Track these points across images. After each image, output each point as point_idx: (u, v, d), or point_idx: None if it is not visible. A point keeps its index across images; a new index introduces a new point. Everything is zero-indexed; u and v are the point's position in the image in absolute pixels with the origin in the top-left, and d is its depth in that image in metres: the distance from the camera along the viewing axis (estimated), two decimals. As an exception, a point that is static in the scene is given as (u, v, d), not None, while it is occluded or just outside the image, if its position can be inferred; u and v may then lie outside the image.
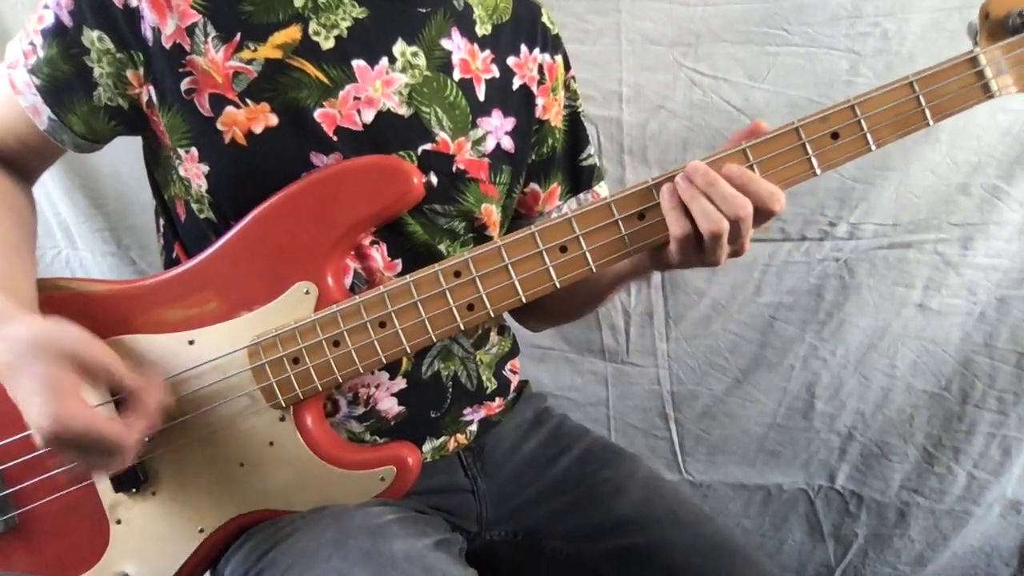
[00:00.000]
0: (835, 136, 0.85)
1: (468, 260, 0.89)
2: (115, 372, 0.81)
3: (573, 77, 1.13)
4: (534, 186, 1.10)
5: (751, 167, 0.85)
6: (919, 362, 1.62)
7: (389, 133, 0.93)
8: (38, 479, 0.91)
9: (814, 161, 0.86)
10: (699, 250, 0.85)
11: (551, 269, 0.88)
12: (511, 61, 1.04)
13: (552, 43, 1.09)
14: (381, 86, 0.93)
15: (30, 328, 0.79)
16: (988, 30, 0.86)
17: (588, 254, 0.88)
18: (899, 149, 1.46)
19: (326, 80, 0.91)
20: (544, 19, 1.09)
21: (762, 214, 0.84)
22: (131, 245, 1.60)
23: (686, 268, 0.89)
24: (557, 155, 1.11)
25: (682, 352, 1.67)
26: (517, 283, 0.89)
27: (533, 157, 1.08)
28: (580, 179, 1.13)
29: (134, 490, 0.92)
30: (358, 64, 0.93)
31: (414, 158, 0.94)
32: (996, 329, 1.58)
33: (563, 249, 0.88)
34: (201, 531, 0.93)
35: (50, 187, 1.56)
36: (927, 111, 0.85)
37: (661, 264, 0.91)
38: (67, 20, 0.88)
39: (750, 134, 0.86)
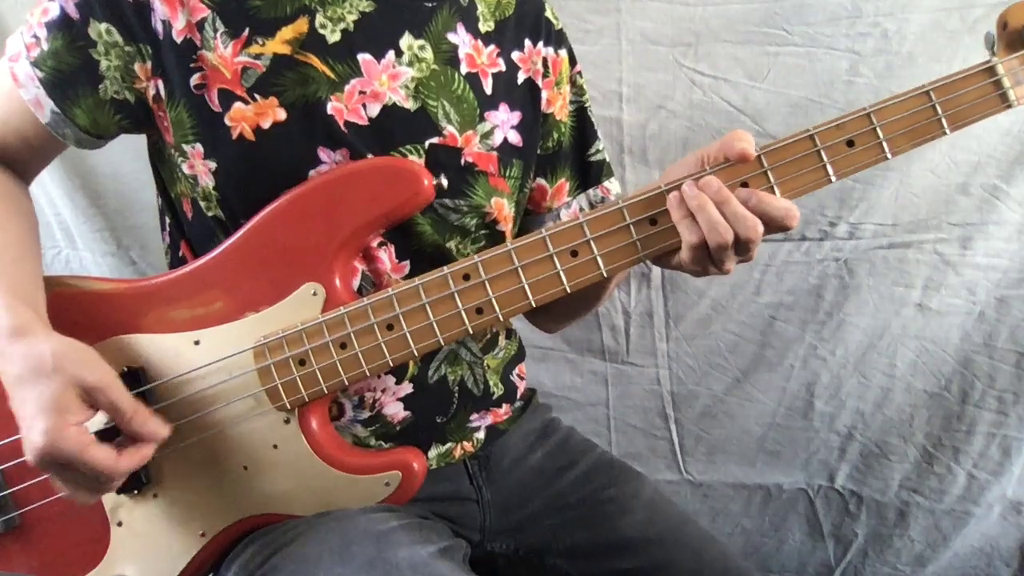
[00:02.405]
0: (850, 144, 0.85)
1: (478, 263, 0.88)
2: (121, 409, 0.82)
3: (579, 73, 1.12)
4: (541, 181, 1.10)
5: (765, 173, 0.85)
6: (919, 362, 1.62)
7: (395, 127, 0.93)
8: (39, 479, 0.90)
9: (829, 168, 0.85)
10: (711, 259, 0.85)
11: (561, 273, 0.88)
12: (515, 56, 1.03)
13: (556, 37, 1.08)
14: (387, 80, 0.93)
15: (52, 347, 0.80)
16: (1006, 40, 0.85)
17: (599, 259, 0.88)
18: (899, 148, 1.47)
19: (332, 75, 0.90)
20: (548, 14, 1.09)
21: (775, 230, 0.84)
22: (131, 245, 1.60)
23: (698, 276, 0.88)
24: (564, 150, 1.10)
25: (682, 352, 1.67)
26: (527, 287, 0.88)
27: (539, 151, 1.08)
28: (589, 174, 1.12)
29: (136, 492, 0.91)
30: (364, 58, 0.92)
31: (421, 152, 0.94)
32: (996, 329, 1.59)
33: (574, 253, 0.88)
34: (203, 535, 0.92)
35: (50, 187, 1.55)
36: (944, 120, 0.84)
37: (673, 267, 0.90)
38: (73, 12, 0.88)
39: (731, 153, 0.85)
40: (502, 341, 1.08)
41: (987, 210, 1.53)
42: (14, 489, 0.91)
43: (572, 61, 1.11)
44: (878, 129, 0.84)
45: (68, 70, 0.89)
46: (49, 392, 0.78)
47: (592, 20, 1.51)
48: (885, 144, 0.85)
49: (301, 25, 0.90)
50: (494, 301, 0.88)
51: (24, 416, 0.79)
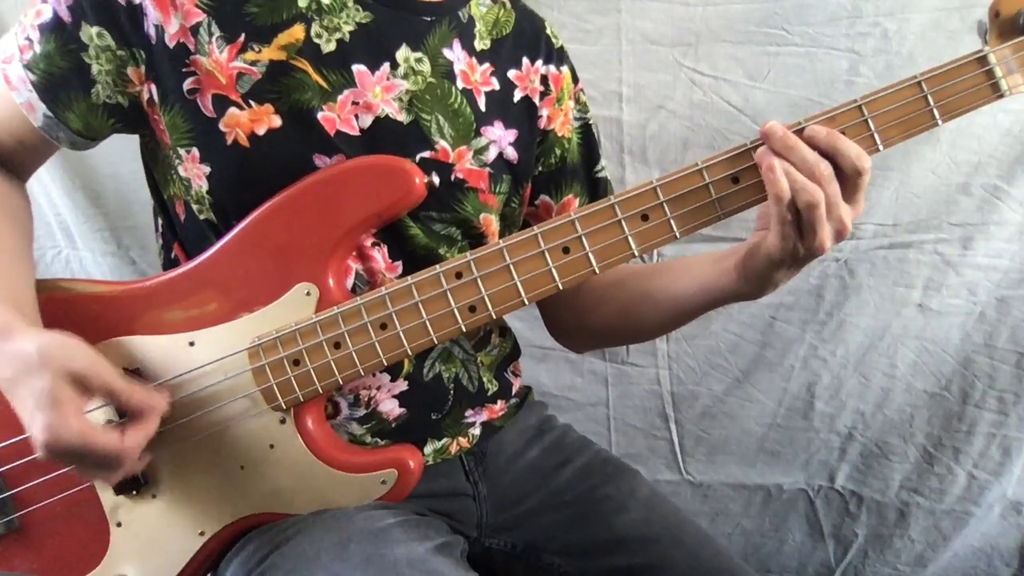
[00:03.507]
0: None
1: (470, 261, 0.88)
2: (115, 389, 0.82)
3: (582, 90, 1.13)
4: (545, 198, 1.10)
5: (755, 167, 0.85)
6: (919, 362, 1.62)
7: (387, 139, 0.93)
8: (39, 481, 0.91)
9: None
10: (800, 229, 0.82)
11: (553, 270, 0.88)
12: (512, 74, 1.03)
13: (557, 55, 1.09)
14: (381, 92, 0.93)
15: (35, 343, 0.80)
16: (998, 29, 0.85)
17: (591, 255, 0.88)
18: (899, 149, 1.44)
19: (324, 84, 0.90)
20: (548, 32, 1.09)
21: (849, 177, 0.81)
22: (131, 245, 1.60)
23: (782, 271, 0.85)
24: (570, 166, 1.10)
25: (682, 352, 1.67)
26: (519, 284, 0.88)
27: (540, 168, 1.08)
28: (597, 191, 1.12)
29: (134, 493, 0.92)
30: (358, 69, 0.92)
31: None
32: (996, 329, 1.59)
33: (566, 250, 0.88)
34: (201, 534, 0.93)
35: (50, 187, 1.56)
36: (935, 111, 0.84)
37: (758, 269, 0.86)
38: (65, 15, 0.87)
39: None
40: (495, 339, 1.08)
41: (988, 210, 1.53)
42: (14, 491, 0.91)
43: (575, 79, 1.12)
44: (869, 121, 0.84)
45: (60, 74, 0.89)
46: (41, 387, 0.77)
47: (592, 20, 1.51)
48: (876, 136, 0.84)
49: (297, 32, 0.90)
50: (487, 299, 0.89)
51: (23, 414, 0.79)
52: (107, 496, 0.92)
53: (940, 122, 0.85)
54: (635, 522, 1.03)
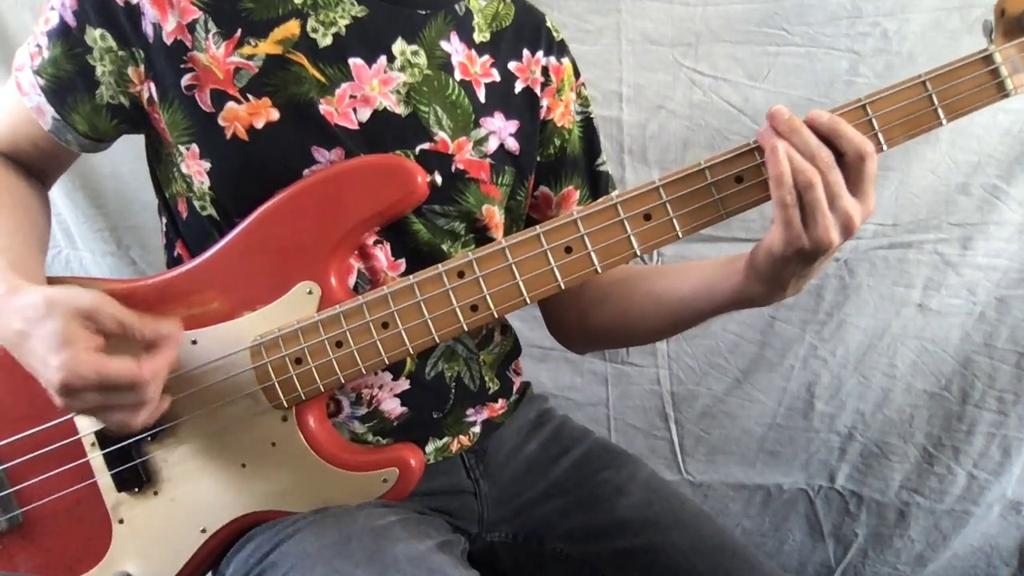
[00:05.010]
0: None
1: (472, 260, 0.88)
2: (125, 321, 0.81)
3: (583, 84, 1.13)
4: (545, 189, 1.10)
5: (758, 167, 0.84)
6: (919, 362, 1.62)
7: (386, 132, 0.93)
8: (41, 478, 0.91)
9: None
10: (803, 218, 0.80)
11: (556, 269, 0.88)
12: (512, 65, 1.04)
13: (558, 47, 1.09)
14: (378, 85, 0.93)
15: (40, 292, 0.80)
16: (1004, 28, 0.83)
17: (593, 254, 0.87)
18: (899, 149, 1.45)
19: (322, 78, 0.91)
20: (548, 25, 1.09)
21: (851, 163, 0.80)
22: (131, 245, 1.60)
23: (789, 268, 0.83)
24: (570, 157, 1.10)
25: (682, 352, 1.67)
26: (521, 283, 0.88)
27: (539, 159, 1.08)
28: (598, 185, 1.12)
29: (136, 490, 0.92)
30: (355, 62, 0.92)
31: (412, 157, 0.94)
32: (996, 329, 1.59)
33: (568, 250, 0.88)
34: (203, 531, 0.93)
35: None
36: (940, 110, 0.83)
37: (762, 266, 0.85)
38: (71, 20, 0.89)
39: None
40: (497, 337, 1.08)
41: (987, 210, 1.53)
42: (17, 488, 0.92)
43: (576, 73, 1.12)
44: (873, 120, 0.83)
45: (66, 77, 0.90)
46: (50, 330, 0.77)
47: (592, 20, 1.51)
48: (880, 135, 0.83)
49: (292, 27, 0.91)
50: (488, 298, 0.88)
51: (37, 364, 0.79)
52: (109, 493, 0.92)
53: (944, 122, 0.83)
54: (636, 505, 1.03)
